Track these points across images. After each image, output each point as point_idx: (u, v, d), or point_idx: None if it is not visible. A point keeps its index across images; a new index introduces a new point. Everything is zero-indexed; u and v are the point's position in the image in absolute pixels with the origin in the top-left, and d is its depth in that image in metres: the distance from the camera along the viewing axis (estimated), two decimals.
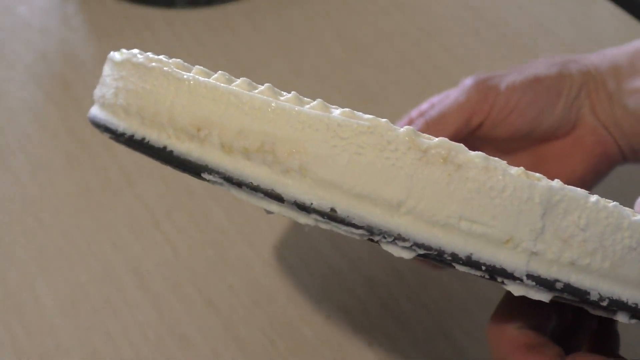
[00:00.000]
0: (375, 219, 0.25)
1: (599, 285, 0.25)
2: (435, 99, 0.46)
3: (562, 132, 0.47)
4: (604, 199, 0.26)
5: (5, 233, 0.53)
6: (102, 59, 0.71)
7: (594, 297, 0.25)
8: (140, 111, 0.30)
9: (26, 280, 0.51)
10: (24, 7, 0.70)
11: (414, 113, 0.47)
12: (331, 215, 0.26)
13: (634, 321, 0.27)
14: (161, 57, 0.31)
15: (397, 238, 0.25)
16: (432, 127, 0.45)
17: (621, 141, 0.47)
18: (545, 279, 0.25)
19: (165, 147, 0.29)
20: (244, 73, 0.64)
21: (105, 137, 0.32)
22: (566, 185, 0.26)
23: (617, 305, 0.26)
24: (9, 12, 0.70)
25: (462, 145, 0.25)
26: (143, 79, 0.30)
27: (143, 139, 0.29)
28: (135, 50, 0.32)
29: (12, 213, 0.55)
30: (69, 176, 0.57)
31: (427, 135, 0.26)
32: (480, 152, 0.26)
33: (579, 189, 0.26)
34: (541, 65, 0.47)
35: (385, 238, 0.25)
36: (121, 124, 0.30)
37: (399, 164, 0.25)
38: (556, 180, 0.26)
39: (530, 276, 0.25)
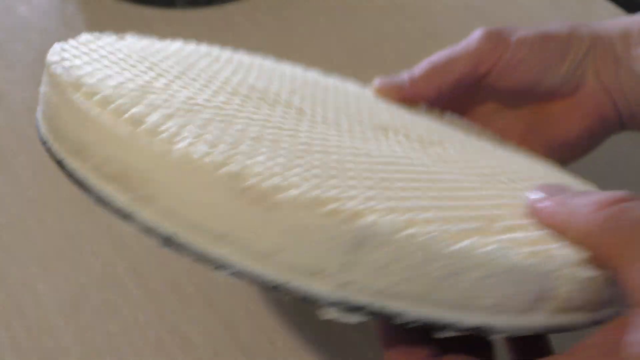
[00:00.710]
0: (201, 247, 0.27)
1: (410, 308, 0.27)
2: (443, 51, 0.48)
3: (564, 92, 0.48)
4: (430, 225, 0.27)
5: (5, 233, 0.53)
6: None
7: (405, 319, 0.27)
8: (49, 121, 0.32)
9: (26, 280, 0.51)
10: (24, 7, 0.70)
11: (423, 62, 0.49)
12: (167, 242, 0.28)
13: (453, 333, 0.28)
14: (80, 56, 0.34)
15: (220, 266, 0.27)
16: (440, 69, 0.47)
17: (622, 105, 0.47)
18: (354, 305, 0.26)
19: (61, 161, 0.31)
20: None
21: None
22: (379, 219, 0.26)
23: (433, 325, 0.27)
24: (9, 12, 0.70)
25: (276, 184, 0.26)
26: (54, 91, 0.32)
27: (50, 149, 0.32)
28: (57, 55, 0.34)
29: (12, 213, 0.55)
30: None
31: (254, 172, 0.27)
32: (297, 192, 0.26)
33: (395, 218, 0.26)
34: (553, 25, 0.48)
35: (211, 266, 0.27)
36: (44, 135, 0.33)
37: (221, 200, 0.27)
38: (371, 217, 0.26)
39: (338, 303, 0.26)
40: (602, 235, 0.28)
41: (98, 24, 0.69)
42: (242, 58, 0.47)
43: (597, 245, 0.28)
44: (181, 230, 0.27)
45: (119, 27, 0.69)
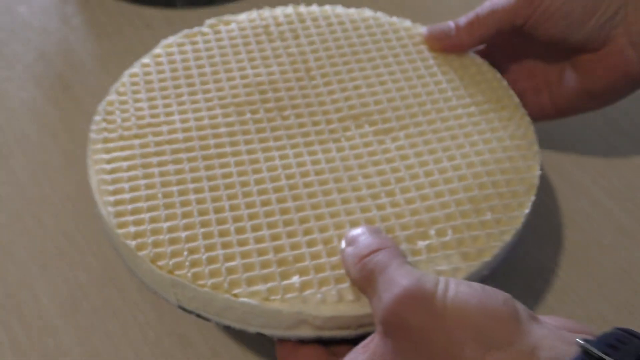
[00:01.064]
0: (126, 261, 0.44)
1: (215, 318, 0.42)
2: (488, 2, 0.52)
3: (592, 47, 0.51)
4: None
5: (5, 233, 0.53)
6: (102, 58, 0.71)
7: (216, 322, 0.42)
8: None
9: (26, 280, 0.51)
10: (24, 7, 0.71)
11: (470, 12, 0.53)
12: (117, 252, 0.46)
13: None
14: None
15: (134, 274, 0.44)
16: (482, 19, 0.52)
17: None
18: (189, 310, 0.42)
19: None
20: None
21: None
22: (184, 274, 0.41)
23: (234, 327, 0.42)
24: (9, 12, 0.70)
25: (136, 244, 0.43)
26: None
27: None
28: (102, 112, 0.49)
29: (12, 213, 0.55)
30: (68, 176, 0.57)
31: (130, 234, 0.43)
32: (146, 252, 0.42)
33: (189, 275, 0.41)
34: None
35: (131, 273, 0.45)
36: None
37: (121, 246, 0.44)
38: (179, 272, 0.41)
39: (181, 308, 0.43)
40: (359, 281, 0.39)
41: (98, 24, 0.69)
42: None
43: (359, 287, 0.40)
44: (119, 248, 0.44)
45: (119, 27, 0.69)
